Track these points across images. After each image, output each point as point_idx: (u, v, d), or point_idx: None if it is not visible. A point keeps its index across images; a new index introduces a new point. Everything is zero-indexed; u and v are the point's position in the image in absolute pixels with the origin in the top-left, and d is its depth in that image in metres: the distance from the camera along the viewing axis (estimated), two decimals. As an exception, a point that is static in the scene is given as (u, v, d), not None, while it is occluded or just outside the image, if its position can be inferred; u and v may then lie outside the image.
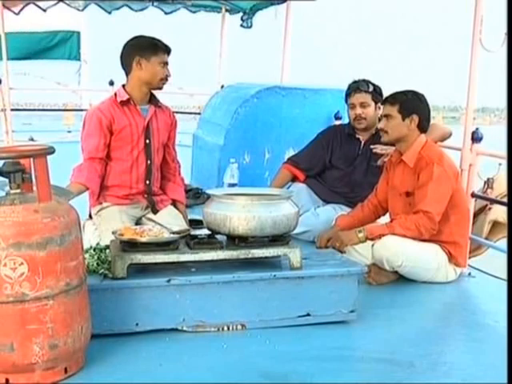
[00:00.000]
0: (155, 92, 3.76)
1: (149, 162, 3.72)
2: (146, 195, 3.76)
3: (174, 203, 3.93)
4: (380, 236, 3.57)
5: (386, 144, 4.00)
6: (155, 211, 3.79)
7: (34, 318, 2.22)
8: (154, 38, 3.66)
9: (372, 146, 4.21)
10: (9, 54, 8.86)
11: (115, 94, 3.68)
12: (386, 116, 3.73)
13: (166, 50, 3.64)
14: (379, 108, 4.46)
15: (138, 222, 3.72)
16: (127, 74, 3.66)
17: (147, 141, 3.69)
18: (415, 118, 3.67)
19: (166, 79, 3.66)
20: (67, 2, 7.95)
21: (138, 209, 3.76)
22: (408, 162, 3.70)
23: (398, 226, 3.54)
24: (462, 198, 3.78)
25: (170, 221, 3.52)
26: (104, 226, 3.54)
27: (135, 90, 3.64)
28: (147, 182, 3.74)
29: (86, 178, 3.51)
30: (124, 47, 3.66)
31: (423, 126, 3.71)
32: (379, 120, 4.47)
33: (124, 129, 3.61)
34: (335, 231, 3.83)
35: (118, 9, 7.56)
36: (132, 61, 3.59)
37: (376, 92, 4.43)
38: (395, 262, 3.56)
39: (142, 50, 3.58)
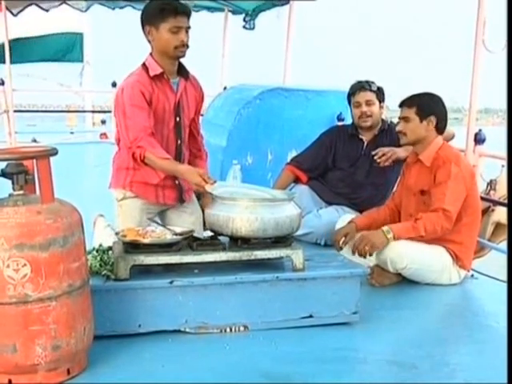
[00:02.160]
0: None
1: (179, 141, 3.41)
2: (176, 180, 3.44)
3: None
4: (407, 239, 3.55)
5: (396, 146, 4.02)
6: (182, 201, 3.55)
7: (37, 319, 2.22)
8: (165, 2, 3.22)
9: (373, 153, 4.19)
10: (12, 59, 8.89)
11: (145, 66, 3.29)
12: (404, 118, 3.76)
13: (177, 12, 3.17)
14: (382, 107, 4.48)
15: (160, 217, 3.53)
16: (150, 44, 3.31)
17: (177, 118, 3.37)
18: (433, 119, 3.69)
19: (184, 46, 3.23)
20: (70, 2, 7.97)
21: (161, 206, 3.51)
22: (425, 161, 3.72)
23: (422, 227, 3.49)
24: (476, 200, 3.77)
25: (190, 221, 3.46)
26: (122, 223, 3.36)
27: (161, 60, 3.26)
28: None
29: (163, 152, 3.21)
30: (140, 15, 3.32)
31: (440, 127, 3.73)
32: (382, 121, 4.51)
33: (158, 105, 3.26)
34: (352, 227, 3.80)
35: (121, 8, 7.57)
36: (145, 31, 3.26)
37: (379, 91, 4.44)
38: (399, 263, 3.56)
39: (150, 17, 3.22)
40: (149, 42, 3.29)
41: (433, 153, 3.70)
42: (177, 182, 3.46)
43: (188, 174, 3.14)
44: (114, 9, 7.77)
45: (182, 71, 3.38)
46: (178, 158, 3.42)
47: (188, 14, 3.24)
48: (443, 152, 3.69)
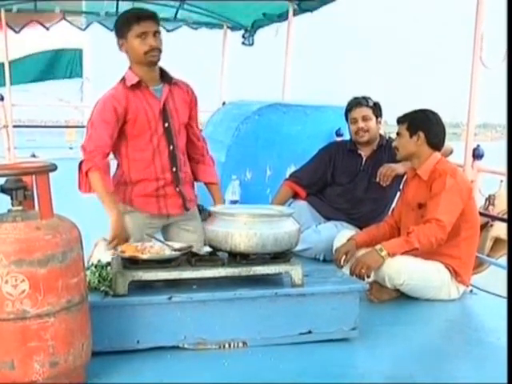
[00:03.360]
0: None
1: (171, 147, 3.37)
2: (176, 187, 3.44)
3: (208, 186, 3.68)
4: (402, 254, 3.54)
5: (394, 161, 4.04)
6: (187, 209, 3.53)
7: (35, 335, 2.21)
8: (129, 10, 3.33)
9: (378, 177, 4.19)
10: (13, 80, 8.92)
11: (123, 78, 3.33)
12: (397, 134, 3.83)
13: (140, 17, 3.18)
14: (380, 123, 4.50)
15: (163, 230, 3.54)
16: None
17: (166, 124, 3.34)
18: (421, 134, 3.72)
19: (154, 50, 3.20)
20: (69, 19, 8.04)
21: (164, 219, 3.52)
22: (422, 176, 3.74)
23: (415, 240, 3.49)
24: (474, 215, 3.78)
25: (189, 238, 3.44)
26: None
27: (139, 71, 3.28)
28: (173, 169, 3.40)
29: (111, 183, 3.28)
30: None
31: (433, 143, 3.75)
32: (380, 136, 4.52)
33: (139, 115, 3.26)
34: (352, 245, 3.80)
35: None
36: (119, 46, 3.30)
37: (376, 107, 4.46)
38: (397, 279, 3.55)
39: (118, 31, 3.26)
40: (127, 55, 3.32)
41: (430, 167, 3.72)
42: (177, 189, 3.45)
43: (113, 220, 3.18)
44: (112, 30, 7.83)
45: (165, 77, 3.38)
46: (173, 163, 3.40)
47: (153, 18, 3.24)
48: (440, 166, 3.71)
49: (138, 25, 3.17)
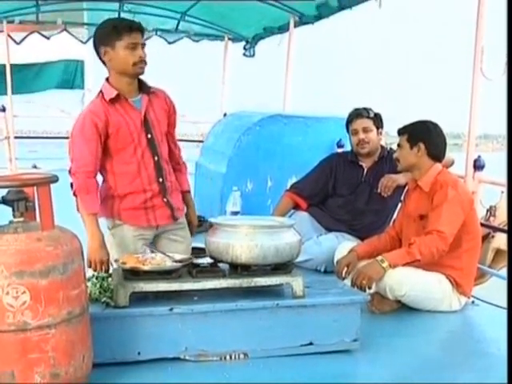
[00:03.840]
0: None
1: (156, 157, 3.33)
2: (164, 198, 3.38)
3: (183, 194, 3.60)
4: (404, 265, 3.54)
5: (395, 172, 4.05)
6: (175, 219, 3.47)
7: (36, 346, 2.21)
8: (116, 20, 3.24)
9: (379, 188, 4.19)
10: (14, 88, 8.95)
11: (101, 92, 3.26)
12: (398, 145, 3.84)
13: (132, 28, 3.14)
14: (381, 134, 4.50)
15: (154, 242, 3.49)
16: (106, 67, 3.27)
17: (149, 135, 3.29)
18: (421, 145, 3.73)
19: (142, 62, 3.17)
20: (71, 31, 8.08)
21: (154, 229, 3.45)
22: (423, 187, 3.74)
23: (417, 251, 3.48)
24: (476, 226, 3.78)
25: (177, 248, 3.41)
26: (117, 253, 3.31)
27: (118, 82, 3.22)
28: (160, 179, 3.35)
29: (97, 203, 3.23)
30: (93, 39, 3.27)
31: (433, 154, 3.75)
32: (382, 147, 4.52)
33: (121, 128, 3.20)
34: (353, 256, 3.80)
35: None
36: (100, 53, 3.19)
37: (377, 118, 4.46)
38: (398, 291, 3.55)
39: (103, 38, 3.15)
40: (104, 64, 3.25)
41: (431, 178, 3.73)
42: (165, 199, 3.41)
43: (89, 243, 3.15)
44: None
45: (143, 87, 3.33)
46: (159, 174, 3.36)
47: (142, 31, 3.22)
48: (441, 177, 3.71)
49: (129, 35, 3.12)
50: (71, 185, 3.22)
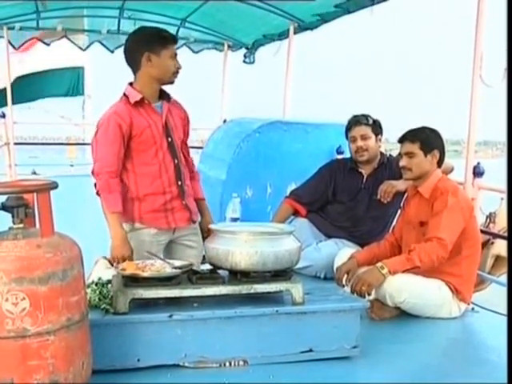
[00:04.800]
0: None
1: (176, 160, 3.43)
2: (182, 201, 3.47)
3: (198, 202, 3.67)
4: (404, 271, 3.54)
5: (395, 179, 4.05)
6: (193, 222, 3.57)
7: (35, 353, 2.20)
8: (160, 29, 3.43)
9: (379, 194, 4.19)
10: (15, 99, 8.98)
11: (125, 95, 3.36)
12: (408, 154, 3.78)
13: (175, 40, 3.40)
14: (380, 140, 4.50)
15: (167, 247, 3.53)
16: (135, 71, 3.36)
17: (169, 139, 3.40)
18: (436, 153, 3.74)
19: (178, 72, 3.38)
20: (70, 37, 8.10)
21: (170, 234, 3.50)
22: (424, 194, 3.75)
23: (416, 258, 3.48)
24: (476, 233, 3.79)
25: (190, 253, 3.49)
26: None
27: (146, 87, 3.35)
28: (179, 182, 3.45)
29: (119, 202, 3.28)
30: (129, 42, 3.39)
31: (441, 161, 3.78)
32: (381, 154, 4.52)
33: (145, 131, 3.31)
34: (353, 263, 3.80)
35: (120, 46, 7.69)
36: (141, 57, 3.29)
37: (375, 125, 4.47)
38: (397, 298, 3.55)
39: (151, 44, 3.29)
40: (136, 69, 3.35)
41: (432, 185, 3.73)
42: (184, 202, 3.48)
43: (116, 240, 3.24)
44: (113, 52, 7.91)
45: (164, 95, 3.45)
46: (179, 177, 3.45)
47: (177, 43, 3.45)
48: (442, 184, 3.72)
49: (173, 46, 3.34)
50: (94, 185, 3.31)
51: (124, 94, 3.38)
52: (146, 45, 3.30)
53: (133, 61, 3.36)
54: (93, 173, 3.31)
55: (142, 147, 3.35)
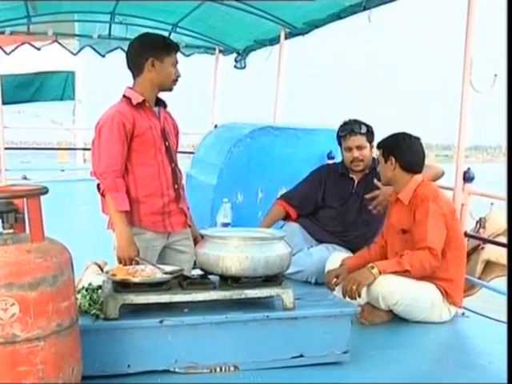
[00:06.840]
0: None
1: (173, 164, 3.46)
2: (179, 204, 3.48)
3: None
4: (392, 273, 3.56)
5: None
6: (188, 226, 3.59)
7: (25, 359, 2.19)
8: (164, 37, 3.50)
9: (369, 207, 4.18)
10: (3, 98, 8.94)
11: (126, 97, 3.36)
12: (378, 160, 3.89)
13: (178, 48, 3.45)
14: (372, 147, 4.51)
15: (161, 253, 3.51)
16: (136, 75, 3.38)
17: (167, 143, 3.43)
18: (392, 159, 3.77)
19: (177, 80, 3.43)
20: (61, 41, 8.08)
21: (165, 239, 3.50)
22: (403, 200, 3.76)
23: (407, 262, 3.51)
24: (459, 235, 3.81)
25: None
26: None
27: (146, 92, 3.36)
28: (175, 186, 3.46)
29: (126, 201, 3.25)
30: (133, 46, 3.41)
31: (405, 167, 3.77)
32: (372, 159, 4.54)
33: (146, 132, 3.32)
34: (343, 269, 3.82)
35: (111, 51, 7.69)
36: (144, 62, 3.32)
37: (369, 132, 4.47)
38: (390, 299, 3.56)
39: (155, 50, 3.32)
40: (137, 73, 3.36)
41: (411, 191, 3.74)
42: (180, 206, 3.50)
43: (122, 240, 3.21)
44: (104, 56, 7.90)
45: (160, 102, 3.49)
46: (175, 180, 3.47)
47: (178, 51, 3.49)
48: (421, 190, 3.73)
49: (176, 54, 3.40)
50: (97, 186, 3.29)
51: (124, 96, 3.38)
52: (151, 50, 3.33)
53: (135, 65, 3.38)
54: (95, 173, 3.28)
55: (142, 148, 3.34)
